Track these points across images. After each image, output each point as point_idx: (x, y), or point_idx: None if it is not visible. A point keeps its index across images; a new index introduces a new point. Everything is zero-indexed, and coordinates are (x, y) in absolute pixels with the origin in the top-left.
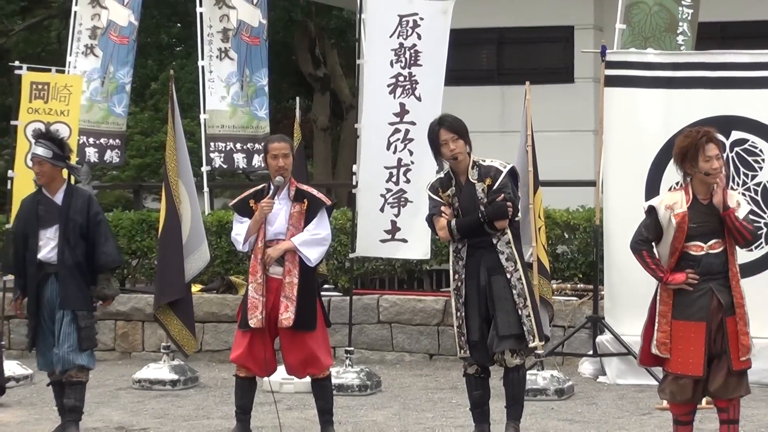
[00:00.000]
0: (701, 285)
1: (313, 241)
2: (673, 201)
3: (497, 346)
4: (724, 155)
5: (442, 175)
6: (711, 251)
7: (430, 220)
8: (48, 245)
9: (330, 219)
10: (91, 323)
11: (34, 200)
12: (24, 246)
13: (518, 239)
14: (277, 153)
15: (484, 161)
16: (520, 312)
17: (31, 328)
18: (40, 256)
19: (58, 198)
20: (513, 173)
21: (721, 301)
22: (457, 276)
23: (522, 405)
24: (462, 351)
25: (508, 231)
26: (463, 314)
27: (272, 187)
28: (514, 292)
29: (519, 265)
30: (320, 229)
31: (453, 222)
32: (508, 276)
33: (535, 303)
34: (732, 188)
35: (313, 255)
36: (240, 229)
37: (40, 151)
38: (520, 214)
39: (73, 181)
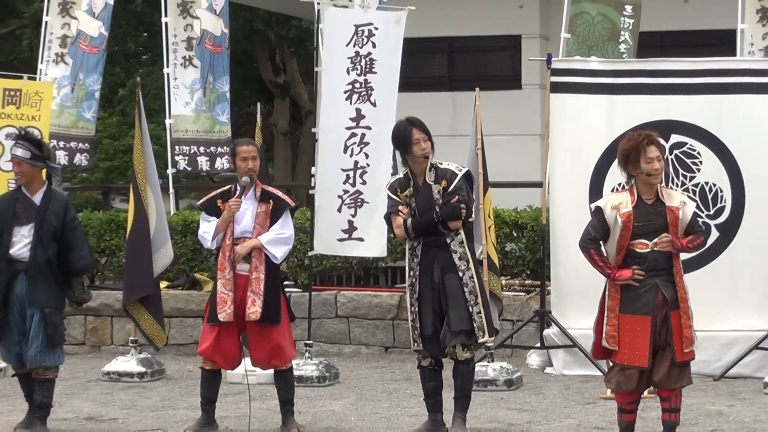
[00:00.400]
0: (647, 281)
1: (279, 240)
2: (618, 201)
3: (449, 340)
4: (664, 158)
5: (401, 175)
6: (656, 248)
7: (388, 219)
8: (21, 242)
9: (293, 219)
10: (59, 320)
11: (12, 198)
12: None
13: (471, 239)
14: (246, 155)
15: (441, 164)
16: (470, 309)
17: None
18: (12, 252)
19: (37, 198)
20: (468, 177)
21: (665, 295)
22: (412, 273)
23: (469, 397)
24: (415, 344)
25: (462, 231)
26: (417, 309)
27: (239, 187)
28: (466, 290)
29: (471, 264)
30: (285, 228)
31: (409, 221)
32: (461, 274)
33: (485, 300)
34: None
35: (278, 253)
36: (208, 227)
37: (18, 152)
38: (473, 215)
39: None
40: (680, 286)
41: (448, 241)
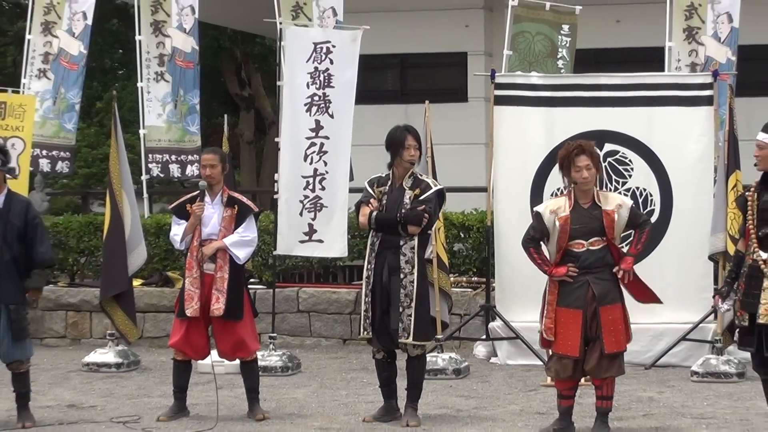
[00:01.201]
0: (580, 277)
1: (242, 242)
2: (557, 206)
3: (395, 338)
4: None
5: (383, 175)
6: (591, 248)
7: (358, 206)
8: None
9: (257, 223)
10: (23, 316)
11: None
12: None
13: (423, 248)
14: (205, 164)
15: (421, 175)
16: (401, 310)
17: None
18: None
19: None
20: (441, 194)
21: (594, 292)
22: (369, 266)
23: (420, 388)
24: (365, 332)
25: (416, 238)
26: (370, 300)
27: (206, 194)
28: (403, 291)
29: (415, 270)
30: (248, 232)
31: (374, 214)
32: (402, 277)
33: (421, 305)
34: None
35: (241, 254)
36: (178, 230)
37: None
38: (432, 229)
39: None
40: (615, 284)
41: (401, 244)
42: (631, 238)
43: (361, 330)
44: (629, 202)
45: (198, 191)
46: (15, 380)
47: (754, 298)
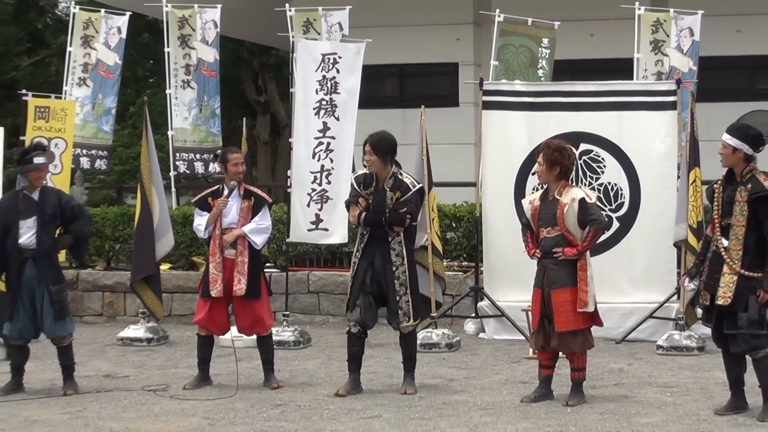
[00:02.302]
0: (541, 261)
1: (259, 230)
2: (533, 198)
3: (392, 319)
4: (576, 163)
5: (367, 172)
6: (548, 235)
7: (348, 205)
8: (27, 233)
9: (270, 213)
10: (63, 296)
11: (14, 197)
12: (5, 234)
13: (411, 240)
14: (237, 161)
15: (401, 175)
16: (399, 298)
17: (12, 302)
18: (20, 242)
19: (35, 195)
20: (421, 192)
21: (547, 276)
22: (358, 254)
23: (415, 360)
24: (349, 312)
25: (402, 234)
26: (358, 283)
27: (226, 188)
28: (397, 282)
29: (405, 261)
30: (264, 220)
31: (363, 215)
32: (394, 269)
33: (415, 290)
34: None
35: (258, 240)
36: (200, 220)
37: (42, 160)
38: (417, 222)
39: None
40: (568, 269)
41: (389, 239)
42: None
43: (347, 308)
44: (584, 197)
45: (217, 186)
46: (60, 353)
47: (715, 281)
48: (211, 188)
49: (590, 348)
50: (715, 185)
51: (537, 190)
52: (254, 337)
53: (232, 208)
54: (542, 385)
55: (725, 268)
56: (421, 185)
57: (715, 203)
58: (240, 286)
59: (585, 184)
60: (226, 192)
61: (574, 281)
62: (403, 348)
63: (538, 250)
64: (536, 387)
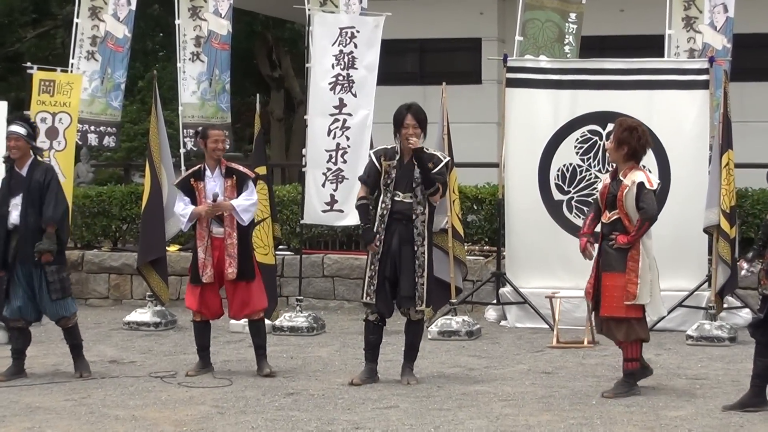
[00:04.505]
0: (602, 243)
1: (247, 207)
2: (605, 176)
3: (401, 304)
4: (601, 143)
5: (388, 147)
6: (608, 220)
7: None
8: (15, 210)
9: (255, 188)
10: (58, 277)
11: (8, 175)
12: None
13: (431, 222)
14: (217, 138)
15: (428, 149)
16: (416, 280)
17: (5, 281)
18: (10, 220)
19: (24, 170)
20: (448, 165)
21: (600, 259)
22: (378, 236)
23: (417, 350)
24: (368, 297)
25: (426, 212)
26: (377, 268)
27: (208, 168)
28: (417, 262)
29: (425, 242)
30: (251, 195)
31: (362, 227)
32: (415, 248)
33: (431, 275)
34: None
35: (246, 217)
36: (184, 210)
37: (19, 128)
38: (438, 202)
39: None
40: (621, 252)
41: (413, 217)
42: None
43: (364, 294)
44: (643, 182)
45: (198, 165)
46: (66, 335)
47: None
48: (193, 168)
49: (641, 340)
50: None
51: (565, 169)
52: (268, 323)
53: (215, 188)
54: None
55: None
56: (449, 158)
57: None
58: (231, 270)
59: (612, 166)
60: (210, 201)
61: (625, 268)
62: (408, 336)
63: (591, 238)
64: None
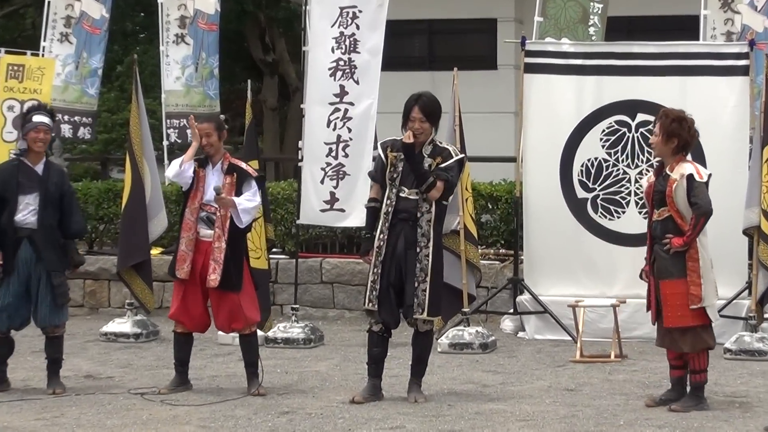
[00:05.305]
0: (653, 246)
1: (249, 209)
2: (649, 175)
3: (407, 313)
4: (630, 135)
5: (398, 138)
6: (658, 218)
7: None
8: (26, 209)
9: (265, 189)
10: (64, 281)
11: (13, 168)
12: (1, 209)
13: (439, 222)
14: (206, 132)
15: (440, 143)
16: (417, 284)
17: (2, 287)
18: (16, 218)
19: (39, 168)
20: (461, 163)
21: (655, 265)
22: (382, 236)
23: (426, 364)
24: (370, 304)
25: (433, 210)
26: (379, 272)
27: (210, 162)
28: (418, 266)
29: (431, 243)
30: (255, 197)
31: (364, 238)
32: (418, 251)
33: (436, 280)
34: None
35: (245, 218)
36: (176, 162)
37: (46, 119)
38: (449, 200)
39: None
40: (678, 257)
41: (418, 215)
42: None
43: (366, 301)
44: (692, 174)
45: (199, 157)
46: (49, 344)
47: None
48: (198, 156)
49: (707, 348)
50: None
51: (589, 164)
52: (260, 334)
53: (212, 184)
54: (673, 388)
55: None
56: (463, 155)
57: None
58: (214, 276)
59: (642, 161)
60: (208, 166)
61: (684, 272)
62: (416, 349)
63: (646, 268)
64: (666, 390)
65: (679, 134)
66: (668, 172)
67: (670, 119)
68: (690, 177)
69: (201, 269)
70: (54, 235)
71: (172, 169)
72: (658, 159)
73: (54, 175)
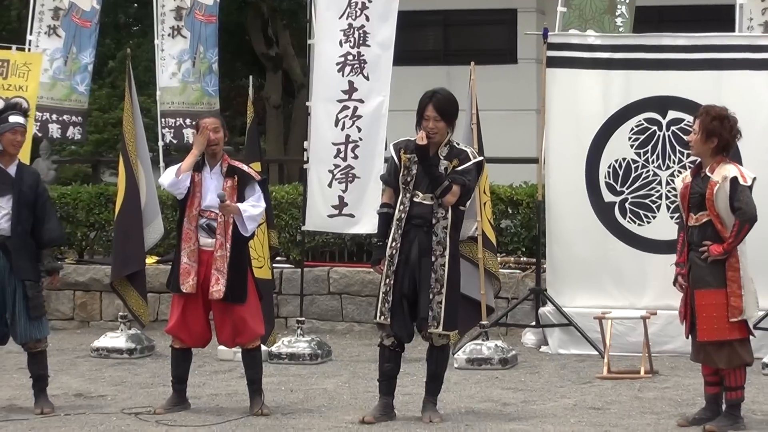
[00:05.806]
0: (689, 253)
1: (254, 216)
2: (685, 175)
3: (421, 326)
4: (661, 134)
5: (411, 138)
6: (695, 223)
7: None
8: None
9: (267, 193)
10: (39, 293)
11: None
12: None
13: (456, 229)
14: (213, 127)
15: (458, 144)
16: (431, 296)
17: None
18: None
19: (12, 170)
20: (480, 166)
21: (690, 273)
22: (394, 244)
23: (441, 381)
24: (382, 316)
25: (449, 216)
26: (392, 282)
27: (206, 164)
28: (433, 276)
29: (447, 252)
30: (259, 202)
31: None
32: (433, 259)
33: (451, 291)
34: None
35: (251, 226)
36: (173, 170)
37: (22, 120)
38: (467, 205)
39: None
40: (728, 264)
41: (434, 222)
42: None
43: (378, 314)
44: (736, 176)
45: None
46: (32, 361)
47: None
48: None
49: (744, 364)
50: None
51: (617, 165)
52: (263, 349)
53: (211, 187)
54: (708, 406)
55: None
56: (482, 158)
57: None
58: (218, 287)
59: (674, 162)
60: (207, 168)
61: (723, 282)
62: (431, 365)
63: (684, 269)
64: (700, 408)
65: (720, 134)
66: (708, 174)
67: (710, 117)
68: (734, 180)
69: (203, 280)
70: (28, 241)
71: (167, 178)
72: (692, 159)
73: (28, 178)
